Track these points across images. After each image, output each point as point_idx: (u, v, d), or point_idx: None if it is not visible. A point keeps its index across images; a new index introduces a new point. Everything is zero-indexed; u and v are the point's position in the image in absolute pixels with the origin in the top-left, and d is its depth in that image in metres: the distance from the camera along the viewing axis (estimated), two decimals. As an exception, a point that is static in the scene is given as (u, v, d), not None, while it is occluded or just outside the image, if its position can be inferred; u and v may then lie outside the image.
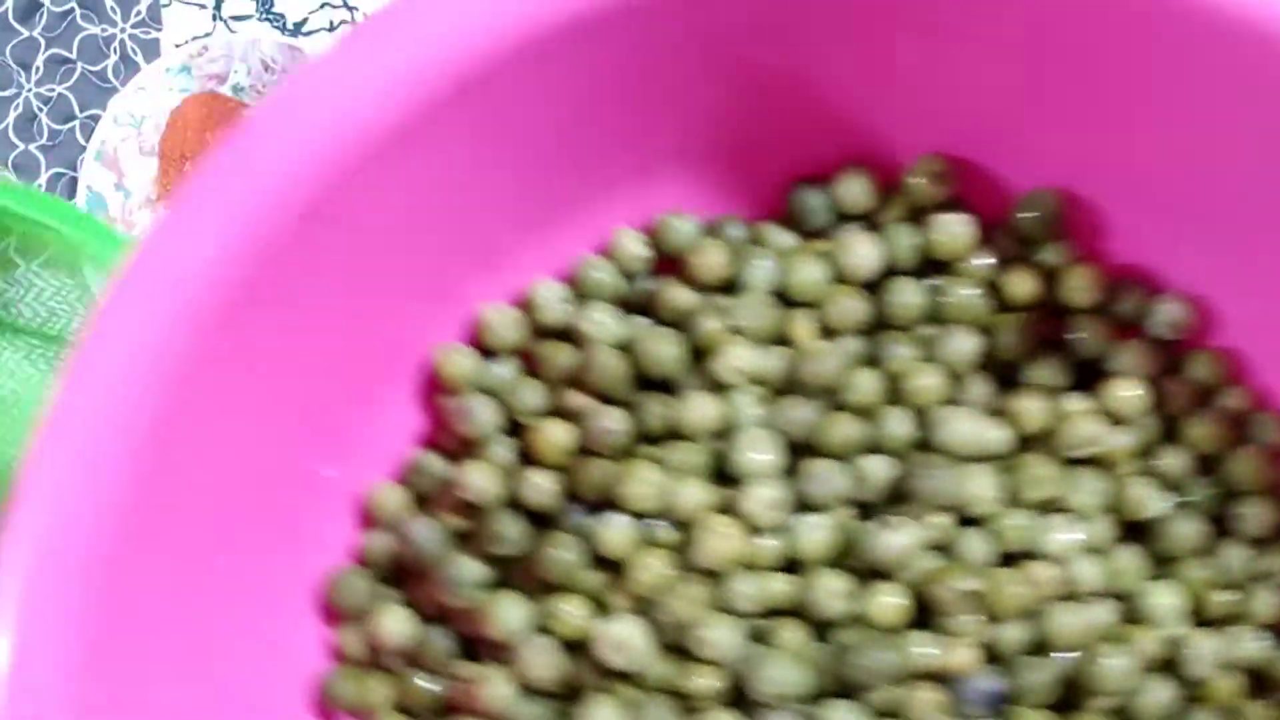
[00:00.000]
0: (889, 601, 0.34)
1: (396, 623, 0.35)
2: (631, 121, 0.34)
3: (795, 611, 0.35)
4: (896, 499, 0.35)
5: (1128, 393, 0.36)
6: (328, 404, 0.33)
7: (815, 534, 0.34)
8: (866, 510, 0.36)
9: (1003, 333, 0.36)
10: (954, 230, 0.35)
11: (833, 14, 0.32)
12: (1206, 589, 0.35)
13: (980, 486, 0.34)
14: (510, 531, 0.35)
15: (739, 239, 0.36)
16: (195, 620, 0.31)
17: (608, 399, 0.36)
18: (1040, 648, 0.35)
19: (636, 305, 0.37)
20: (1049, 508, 0.36)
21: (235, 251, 0.28)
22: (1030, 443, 0.36)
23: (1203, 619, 0.35)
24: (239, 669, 0.33)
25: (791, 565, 0.35)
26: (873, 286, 0.36)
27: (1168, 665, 0.35)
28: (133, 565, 0.28)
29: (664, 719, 0.34)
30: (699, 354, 0.36)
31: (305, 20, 0.55)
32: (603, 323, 0.35)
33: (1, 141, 0.56)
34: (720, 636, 0.33)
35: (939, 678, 0.34)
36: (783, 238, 0.37)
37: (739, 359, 0.34)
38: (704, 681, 0.34)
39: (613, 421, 0.34)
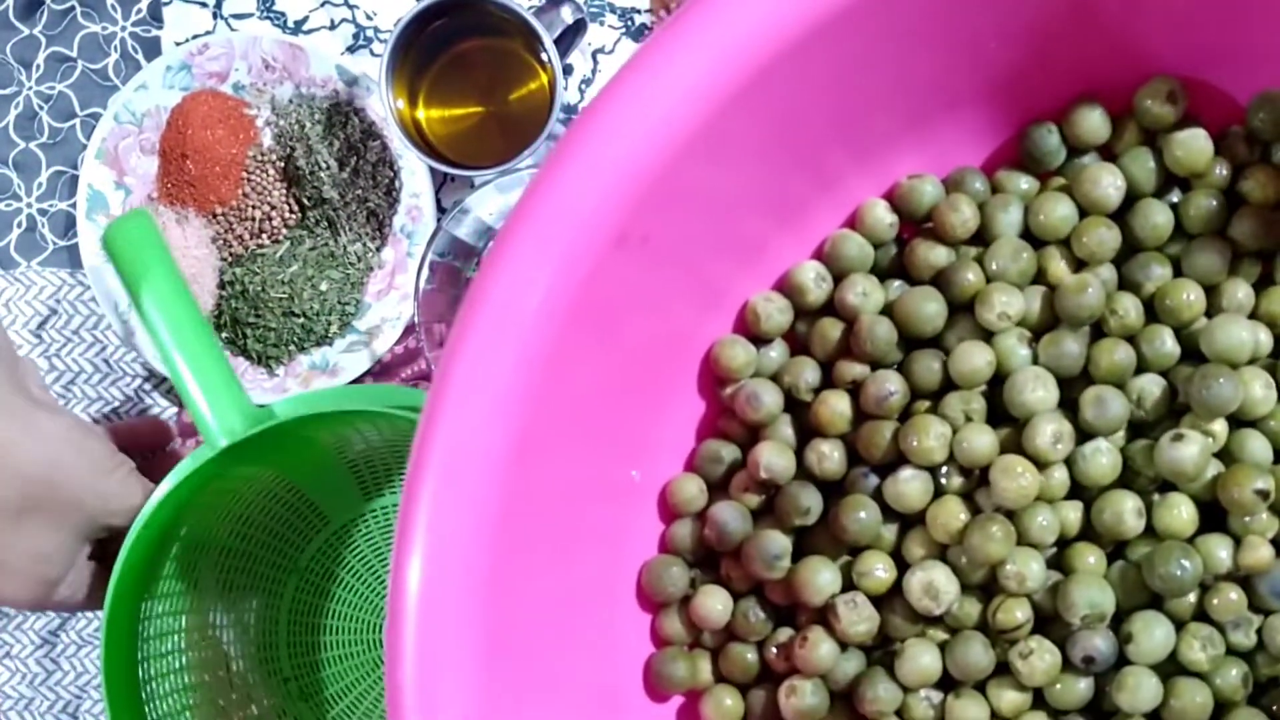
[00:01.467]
0: (1182, 512, 0.36)
1: (717, 601, 0.38)
2: (865, 103, 0.36)
3: (1085, 535, 0.37)
4: (1169, 413, 0.37)
5: (1382, 275, 0.37)
6: (629, 412, 0.36)
7: (1102, 459, 0.36)
8: (1136, 429, 0.37)
9: (1251, 236, 0.37)
10: (1193, 146, 0.37)
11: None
12: None
13: (1257, 389, 0.36)
14: (809, 501, 0.37)
15: (980, 190, 0.38)
16: (544, 624, 0.34)
17: (877, 363, 0.38)
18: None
19: (887, 270, 0.39)
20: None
21: (562, 283, 0.30)
22: (1289, 338, 0.37)
23: None
24: (578, 662, 0.36)
25: (1075, 491, 0.37)
26: (1114, 213, 0.38)
27: None
28: (504, 576, 0.32)
29: (979, 654, 0.37)
30: (956, 308, 0.38)
31: (306, 18, 0.56)
32: (866, 292, 0.37)
33: (2, 139, 0.57)
34: (1029, 570, 0.35)
35: (1236, 577, 0.36)
36: (1021, 182, 0.38)
37: (1004, 304, 0.36)
38: (1018, 614, 0.36)
39: (892, 384, 0.37)
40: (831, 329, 0.38)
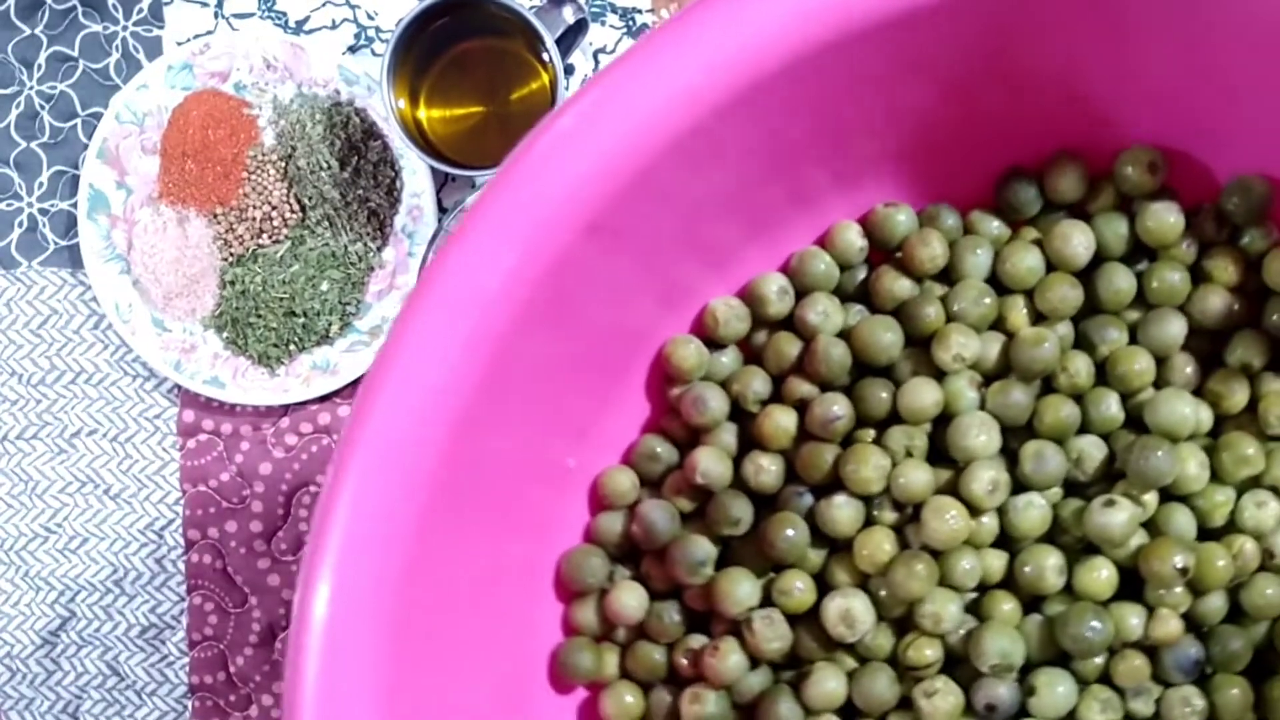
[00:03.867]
0: (1101, 575, 0.37)
1: (633, 598, 0.38)
2: (844, 130, 0.36)
3: (1006, 584, 0.38)
4: (1105, 476, 0.38)
5: (1327, 372, 0.38)
6: (574, 400, 0.37)
7: (1033, 512, 0.37)
8: (1071, 487, 0.38)
9: (1208, 314, 0.38)
10: (1164, 219, 0.38)
11: (1042, 18, 0.34)
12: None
13: (1192, 466, 0.37)
14: (740, 512, 0.38)
15: (953, 228, 0.39)
16: (462, 602, 0.35)
17: (828, 385, 0.38)
18: (1236, 616, 0.38)
19: (852, 294, 0.39)
20: (1249, 483, 0.38)
21: (527, 264, 0.30)
22: (1230, 420, 0.38)
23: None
24: (492, 644, 0.37)
25: (1003, 540, 0.38)
26: (1082, 271, 0.38)
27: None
28: (422, 554, 0.32)
29: (885, 687, 0.37)
30: (913, 341, 0.38)
31: (307, 18, 0.57)
32: (826, 313, 0.38)
33: (3, 139, 0.58)
34: (946, 611, 0.36)
35: (1144, 646, 0.37)
36: (993, 225, 0.39)
37: (961, 346, 0.37)
38: (928, 653, 0.36)
39: (839, 408, 0.37)
40: (787, 344, 0.38)
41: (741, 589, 0.38)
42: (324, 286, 0.55)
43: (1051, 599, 0.38)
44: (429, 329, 0.30)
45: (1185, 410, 0.37)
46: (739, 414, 0.39)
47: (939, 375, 0.38)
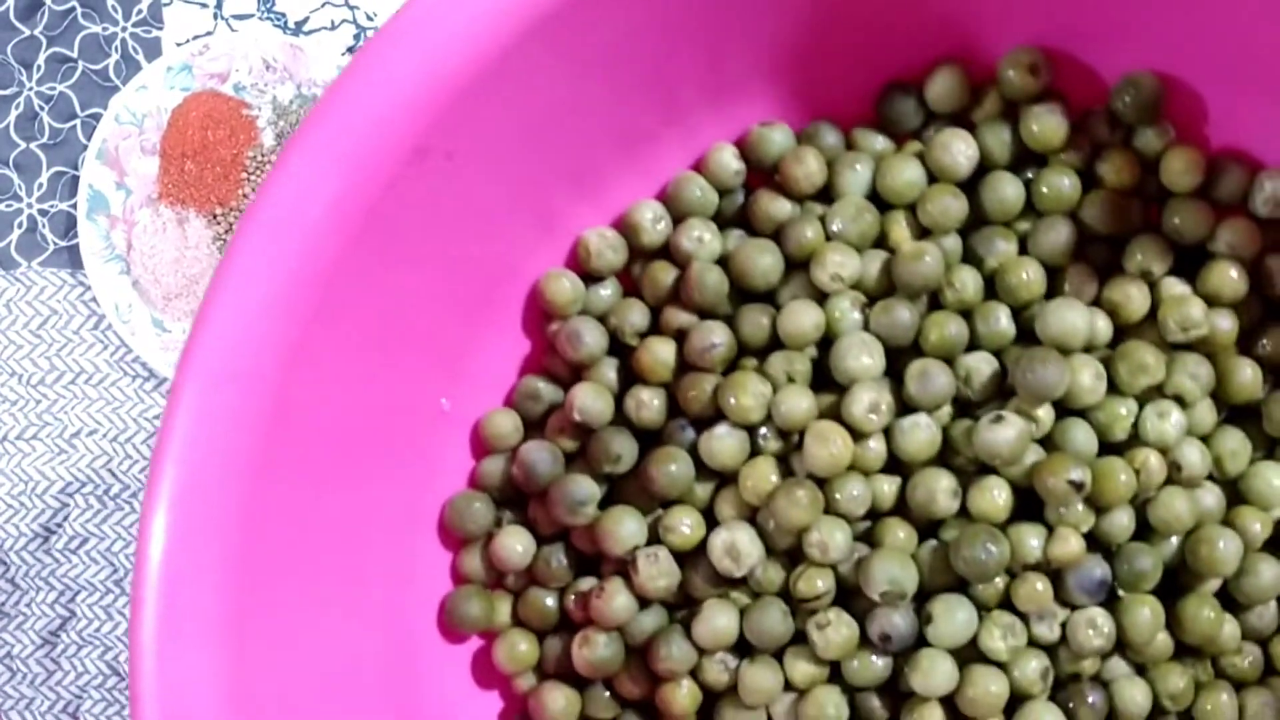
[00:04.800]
0: (996, 495, 0.36)
1: (517, 542, 0.37)
2: (715, 38, 0.35)
3: (900, 511, 0.37)
4: (997, 394, 0.37)
5: (1229, 275, 0.36)
6: (441, 335, 0.35)
7: (919, 434, 0.36)
8: (964, 407, 0.37)
9: (1101, 220, 0.36)
10: (1048, 121, 0.36)
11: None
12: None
13: (1086, 377, 0.35)
14: (621, 449, 0.37)
15: (833, 146, 0.37)
16: (326, 547, 0.34)
17: (707, 314, 0.37)
18: (1144, 533, 0.36)
19: (731, 219, 0.38)
20: (1151, 393, 0.36)
21: (352, 192, 0.29)
22: (1131, 329, 0.37)
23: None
24: (368, 594, 0.36)
25: (895, 465, 0.37)
26: (967, 183, 0.37)
27: (1274, 545, 0.37)
28: (268, 494, 0.31)
29: (777, 621, 0.36)
30: (795, 264, 0.37)
31: (307, 19, 0.57)
32: (702, 239, 0.37)
33: (3, 140, 0.58)
34: (833, 540, 0.35)
35: (1046, 568, 0.36)
36: (876, 141, 0.38)
37: (838, 265, 0.36)
38: (819, 583, 0.35)
39: (716, 336, 0.36)
40: (664, 273, 0.37)
41: (625, 528, 0.36)
42: (323, 285, 0.55)
43: (948, 524, 0.37)
44: (251, 258, 0.29)
45: (1076, 319, 0.35)
46: (621, 349, 0.38)
47: (821, 298, 0.37)
